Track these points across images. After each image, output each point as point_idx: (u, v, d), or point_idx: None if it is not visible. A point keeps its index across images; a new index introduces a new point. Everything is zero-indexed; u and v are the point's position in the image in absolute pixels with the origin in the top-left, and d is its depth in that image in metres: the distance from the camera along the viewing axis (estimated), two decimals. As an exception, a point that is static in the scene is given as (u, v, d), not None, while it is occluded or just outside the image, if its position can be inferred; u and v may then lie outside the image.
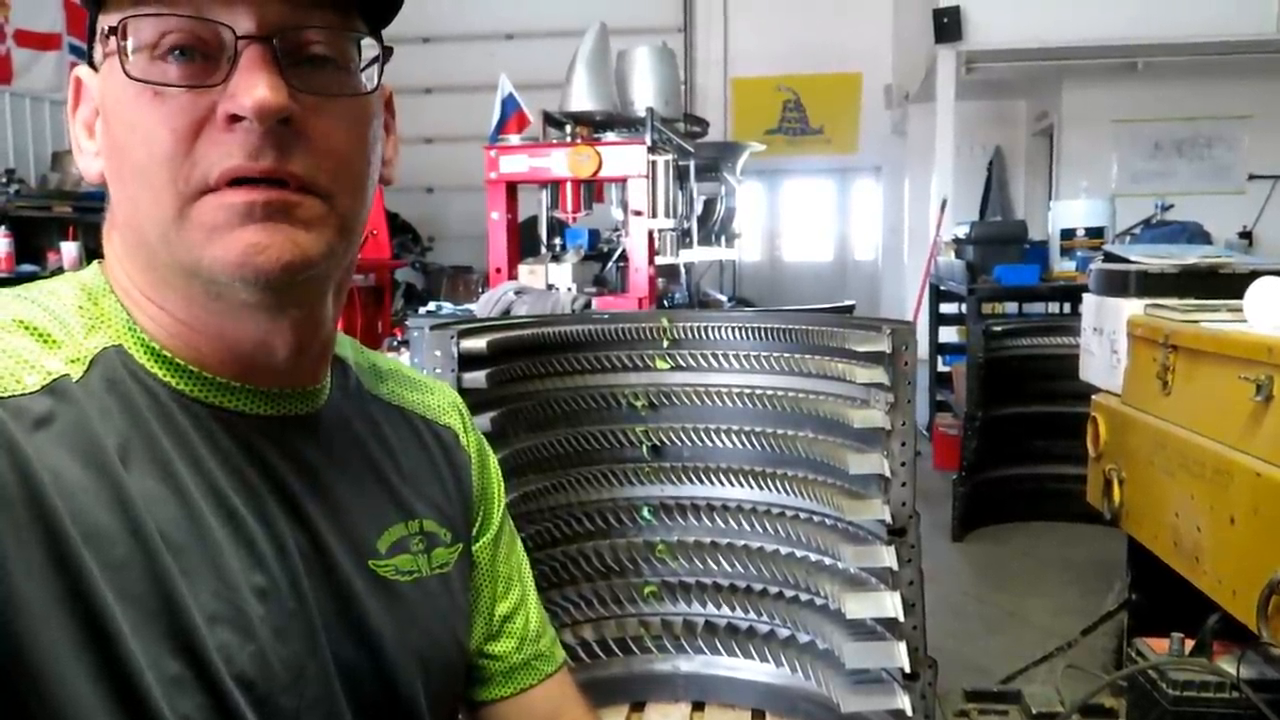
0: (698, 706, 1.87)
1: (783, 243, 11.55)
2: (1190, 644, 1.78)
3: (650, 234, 4.56)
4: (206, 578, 0.63)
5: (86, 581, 0.57)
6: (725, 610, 1.87)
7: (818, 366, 1.86)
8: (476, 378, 1.76)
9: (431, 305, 5.64)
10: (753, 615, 1.83)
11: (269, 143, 0.62)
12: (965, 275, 5.56)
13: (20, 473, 0.56)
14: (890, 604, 1.63)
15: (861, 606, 1.65)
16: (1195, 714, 1.67)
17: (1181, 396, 2.06)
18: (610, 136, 4.78)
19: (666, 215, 4.73)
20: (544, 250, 4.88)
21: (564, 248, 5.03)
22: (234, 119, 0.62)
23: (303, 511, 0.71)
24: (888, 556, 1.67)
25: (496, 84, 5.35)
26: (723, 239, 6.14)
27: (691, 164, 5.25)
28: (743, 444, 1.90)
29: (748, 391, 1.91)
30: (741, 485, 1.88)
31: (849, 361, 1.80)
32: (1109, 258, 3.07)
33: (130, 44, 0.63)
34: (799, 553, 1.83)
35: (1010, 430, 4.52)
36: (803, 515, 1.85)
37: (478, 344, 1.77)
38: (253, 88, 0.61)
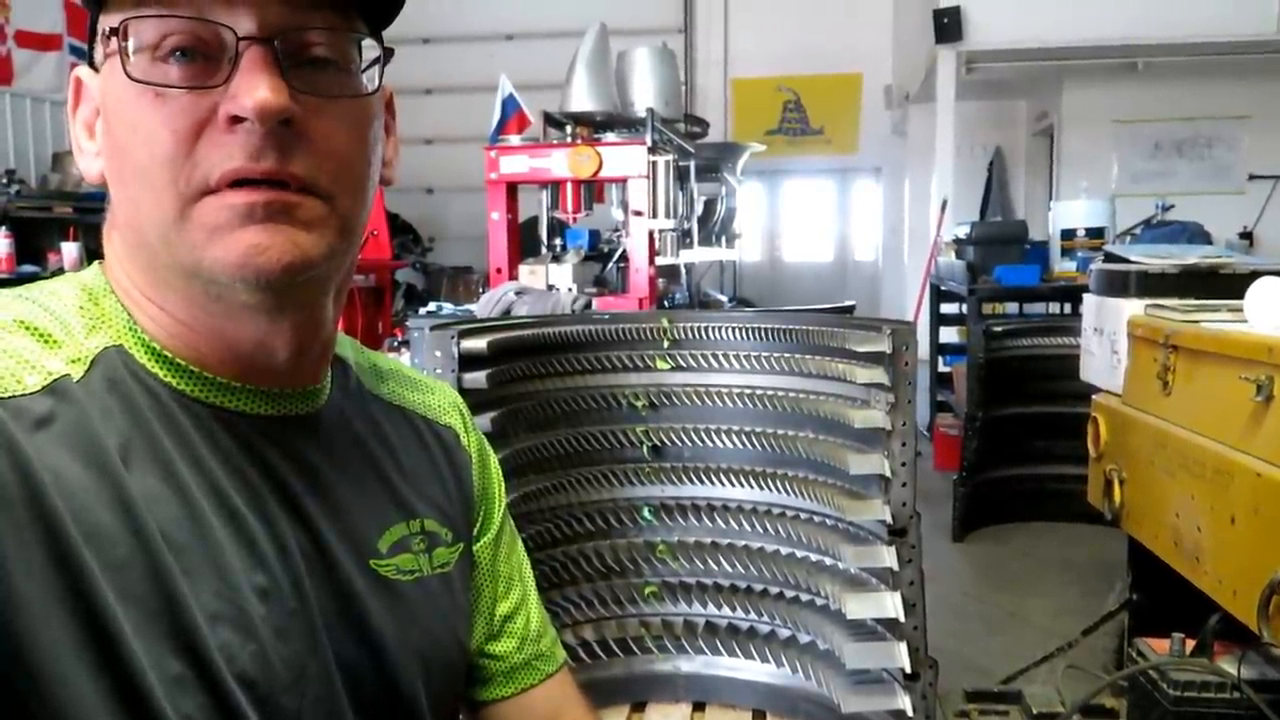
0: (698, 707, 1.87)
1: (783, 243, 11.56)
2: (1191, 644, 1.78)
3: (651, 234, 4.56)
4: (208, 577, 0.63)
5: (87, 581, 0.57)
6: (726, 611, 1.87)
7: (818, 367, 1.86)
8: (477, 378, 1.76)
9: (432, 306, 5.65)
10: (753, 615, 1.83)
11: (270, 144, 0.62)
12: (965, 275, 5.56)
13: (21, 473, 0.56)
14: (891, 604, 1.63)
15: (862, 607, 1.65)
16: (1196, 714, 1.67)
17: (1182, 397, 2.06)
18: (610, 137, 4.79)
19: (667, 216, 4.73)
20: (544, 251, 4.89)
21: (564, 248, 5.03)
22: (235, 120, 0.62)
23: (304, 511, 0.71)
24: (888, 557, 1.67)
25: (497, 84, 5.35)
26: (723, 239, 6.15)
27: (692, 164, 5.25)
28: (743, 444, 1.90)
29: (748, 392, 1.91)
30: (742, 485, 1.88)
31: (849, 362, 1.80)
32: (1109, 258, 3.07)
33: (131, 45, 0.63)
34: (799, 553, 1.83)
35: (1011, 430, 4.52)
36: (803, 515, 1.85)
37: (478, 344, 1.77)
38: (254, 89, 0.61)
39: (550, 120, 4.91)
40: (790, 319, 1.97)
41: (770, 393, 1.90)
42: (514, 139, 4.91)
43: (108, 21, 0.65)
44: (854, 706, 1.61)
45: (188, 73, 0.63)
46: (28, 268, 6.02)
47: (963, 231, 6.36)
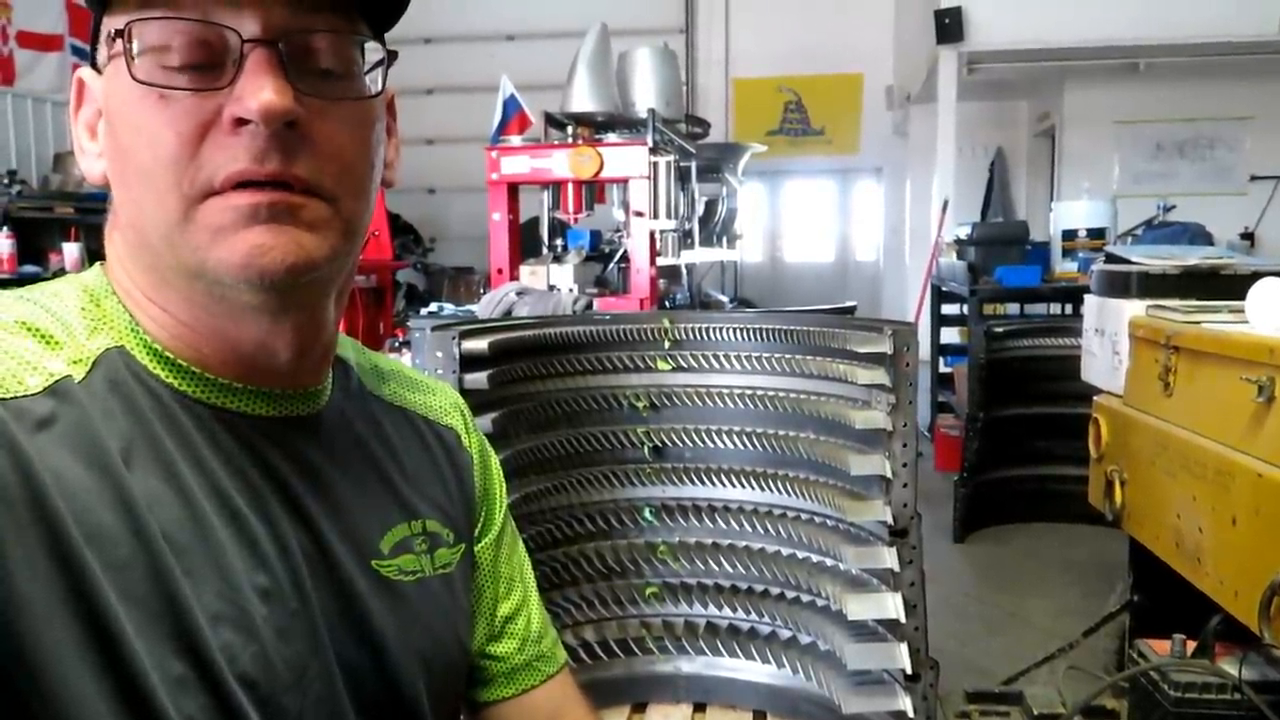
0: (699, 707, 1.87)
1: (784, 243, 11.56)
2: (1192, 645, 1.78)
3: (652, 235, 4.56)
4: (209, 578, 0.63)
5: (89, 582, 0.57)
6: (727, 611, 1.87)
7: (819, 367, 1.86)
8: (478, 379, 1.76)
9: (433, 306, 5.65)
10: (754, 616, 1.83)
11: (274, 146, 0.63)
12: (967, 276, 5.55)
13: (22, 474, 0.56)
14: (892, 605, 1.63)
15: (863, 607, 1.65)
16: (1197, 715, 1.66)
17: (1183, 398, 2.06)
18: (612, 137, 4.79)
19: (668, 216, 4.73)
20: (545, 251, 4.89)
21: (565, 249, 5.03)
22: (240, 122, 0.62)
23: (305, 512, 0.71)
24: (889, 557, 1.67)
25: (498, 85, 5.35)
26: (724, 240, 6.15)
27: (693, 165, 5.25)
28: (744, 445, 1.90)
29: (749, 392, 1.91)
30: (743, 486, 1.88)
31: (850, 362, 1.80)
32: (1110, 259, 3.07)
33: (136, 47, 0.63)
34: (800, 554, 1.83)
35: (1012, 431, 4.52)
36: (804, 516, 1.85)
37: (479, 345, 1.77)
38: (259, 91, 0.61)
39: (551, 121, 4.91)
40: (791, 320, 1.97)
41: (771, 393, 1.90)
42: (515, 139, 4.91)
43: (112, 23, 0.65)
44: (855, 707, 1.61)
45: (192, 75, 0.63)
46: (29, 268, 6.02)
47: (964, 232, 6.36)
